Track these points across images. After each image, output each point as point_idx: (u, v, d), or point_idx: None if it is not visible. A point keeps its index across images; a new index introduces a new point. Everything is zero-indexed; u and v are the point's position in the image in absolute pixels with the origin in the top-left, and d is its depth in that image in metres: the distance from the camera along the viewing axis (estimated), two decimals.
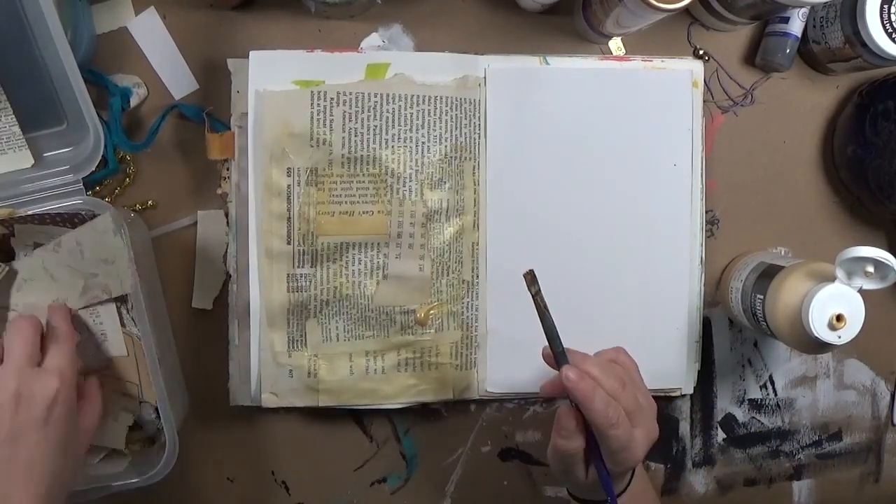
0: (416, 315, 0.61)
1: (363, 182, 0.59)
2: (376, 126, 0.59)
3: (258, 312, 0.60)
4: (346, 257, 0.60)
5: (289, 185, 0.59)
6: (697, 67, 0.63)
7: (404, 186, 0.60)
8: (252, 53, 0.59)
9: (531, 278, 0.51)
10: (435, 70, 0.60)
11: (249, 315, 0.61)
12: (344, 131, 0.59)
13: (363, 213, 0.60)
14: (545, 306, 0.51)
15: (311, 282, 0.60)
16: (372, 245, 0.60)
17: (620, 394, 0.49)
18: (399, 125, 0.59)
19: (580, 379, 0.48)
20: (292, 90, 0.59)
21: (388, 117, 0.59)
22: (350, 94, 0.59)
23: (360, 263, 0.60)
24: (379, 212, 0.60)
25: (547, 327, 0.51)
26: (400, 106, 0.59)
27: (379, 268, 0.60)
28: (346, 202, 0.59)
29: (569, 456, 0.51)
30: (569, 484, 0.56)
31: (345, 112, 0.59)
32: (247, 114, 0.59)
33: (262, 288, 0.60)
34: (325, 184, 0.59)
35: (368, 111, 0.59)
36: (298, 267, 0.60)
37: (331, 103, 0.59)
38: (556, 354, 0.50)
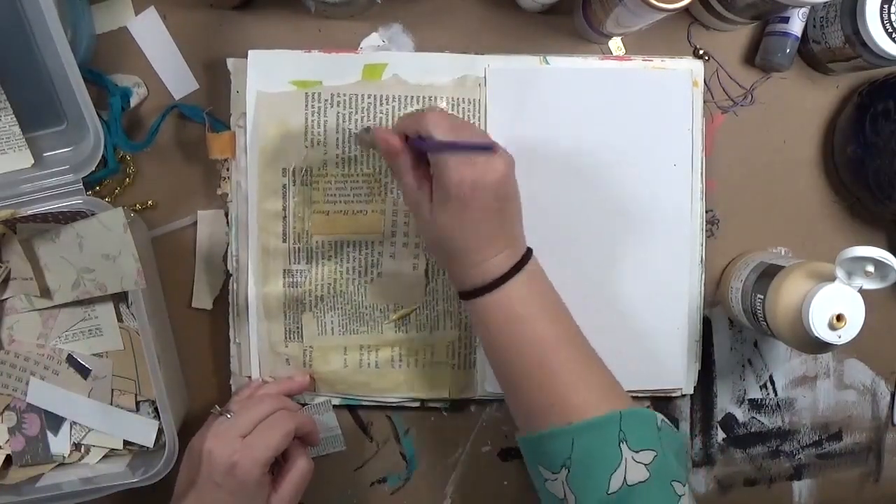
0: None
1: (357, 182, 0.60)
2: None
3: (255, 306, 0.61)
4: (341, 255, 0.60)
5: (284, 185, 0.59)
6: (697, 67, 0.63)
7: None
8: (251, 53, 0.59)
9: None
10: (434, 70, 0.60)
11: (248, 310, 0.61)
12: (338, 132, 0.59)
13: (357, 212, 0.60)
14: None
15: (306, 278, 0.60)
16: (366, 244, 0.60)
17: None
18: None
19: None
20: (288, 91, 0.59)
21: (381, 118, 0.59)
22: (344, 95, 0.59)
23: (354, 261, 0.61)
24: (373, 211, 0.60)
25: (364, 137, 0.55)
26: (394, 107, 0.60)
27: (373, 266, 0.61)
28: (340, 201, 0.60)
29: (399, 173, 0.50)
30: (434, 254, 0.55)
31: (339, 113, 0.59)
32: (246, 113, 0.59)
33: (260, 283, 0.61)
34: (319, 183, 0.59)
35: (362, 112, 0.59)
36: (294, 263, 0.60)
37: (325, 104, 0.59)
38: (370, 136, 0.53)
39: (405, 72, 0.60)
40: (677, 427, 0.68)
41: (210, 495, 0.51)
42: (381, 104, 0.60)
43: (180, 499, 0.53)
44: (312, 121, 0.59)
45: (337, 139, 0.59)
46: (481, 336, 0.53)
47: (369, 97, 0.59)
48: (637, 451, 0.47)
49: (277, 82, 0.59)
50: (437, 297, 0.62)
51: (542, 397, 0.50)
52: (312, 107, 0.59)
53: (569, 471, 0.47)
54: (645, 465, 0.47)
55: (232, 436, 0.52)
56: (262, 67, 0.59)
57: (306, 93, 0.59)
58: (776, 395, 0.69)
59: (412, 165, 0.50)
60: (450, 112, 0.60)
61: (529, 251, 0.52)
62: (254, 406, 0.55)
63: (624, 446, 0.47)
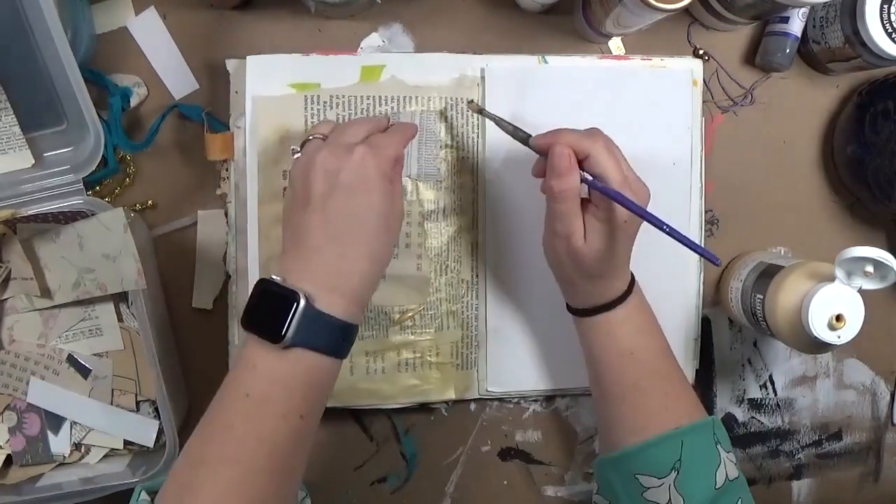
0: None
1: None
2: None
3: None
4: None
5: (285, 188, 0.59)
6: (696, 66, 0.63)
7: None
8: (249, 58, 0.58)
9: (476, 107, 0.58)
10: (432, 70, 0.60)
11: None
12: None
13: None
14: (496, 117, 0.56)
15: None
16: None
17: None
18: None
19: (552, 134, 0.51)
20: (286, 95, 0.59)
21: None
22: (343, 97, 0.59)
23: None
24: None
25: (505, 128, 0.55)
26: (393, 107, 0.60)
27: None
28: None
29: (567, 204, 0.50)
30: (565, 273, 0.54)
31: (338, 115, 0.59)
32: (245, 116, 0.59)
33: None
34: None
35: (362, 113, 0.59)
36: None
37: (324, 106, 0.59)
38: (524, 139, 0.54)
39: (403, 72, 0.60)
40: None
41: (327, 212, 0.46)
42: (381, 105, 0.59)
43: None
44: (312, 123, 0.59)
45: None
46: (596, 349, 0.55)
47: (368, 98, 0.59)
48: (727, 452, 0.52)
49: (276, 86, 0.59)
50: (441, 297, 0.62)
51: (657, 401, 0.53)
52: (312, 109, 0.59)
53: (678, 473, 0.50)
54: (734, 463, 0.52)
55: (344, 144, 0.47)
56: (260, 72, 0.58)
57: (305, 95, 0.59)
58: (776, 394, 0.69)
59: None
60: (447, 113, 0.60)
61: (633, 275, 0.56)
62: (355, 122, 0.50)
63: (720, 447, 0.52)
